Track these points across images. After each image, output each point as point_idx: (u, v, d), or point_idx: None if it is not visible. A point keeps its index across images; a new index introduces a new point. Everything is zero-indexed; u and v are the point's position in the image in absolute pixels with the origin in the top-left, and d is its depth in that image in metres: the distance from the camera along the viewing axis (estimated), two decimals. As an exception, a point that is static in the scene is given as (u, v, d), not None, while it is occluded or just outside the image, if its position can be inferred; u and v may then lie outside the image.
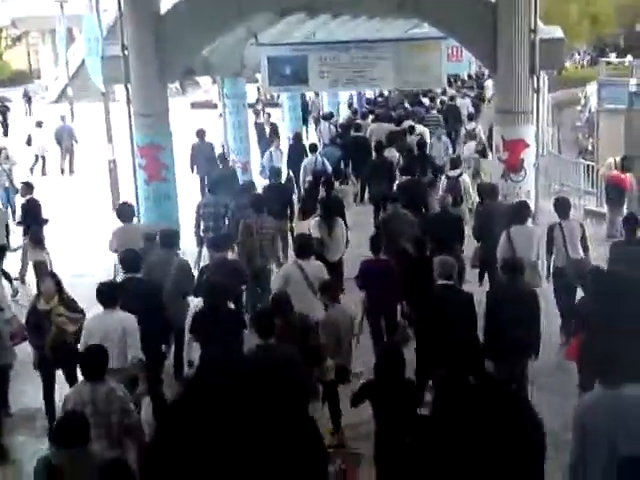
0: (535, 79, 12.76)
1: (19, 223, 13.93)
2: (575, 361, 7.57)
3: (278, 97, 30.91)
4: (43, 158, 24.00)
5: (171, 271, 9.00)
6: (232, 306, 8.29)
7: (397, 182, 14.35)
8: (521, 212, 10.39)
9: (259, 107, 28.46)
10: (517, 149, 12.88)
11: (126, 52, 12.99)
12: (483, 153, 15.08)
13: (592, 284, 7.59)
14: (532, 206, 12.58)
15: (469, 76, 35.85)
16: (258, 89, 40.58)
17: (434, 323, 7.45)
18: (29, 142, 24.05)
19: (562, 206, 10.56)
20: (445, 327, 6.92)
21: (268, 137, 19.82)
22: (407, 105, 23.26)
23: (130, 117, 13.35)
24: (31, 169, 23.44)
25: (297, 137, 18.97)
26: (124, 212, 10.74)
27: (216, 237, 10.54)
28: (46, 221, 13.67)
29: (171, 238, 9.59)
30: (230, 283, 8.32)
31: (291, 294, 7.81)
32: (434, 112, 21.60)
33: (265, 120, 21.43)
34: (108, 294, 7.40)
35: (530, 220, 10.79)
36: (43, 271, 10.26)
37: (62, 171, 24.27)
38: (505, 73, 12.62)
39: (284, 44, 15.39)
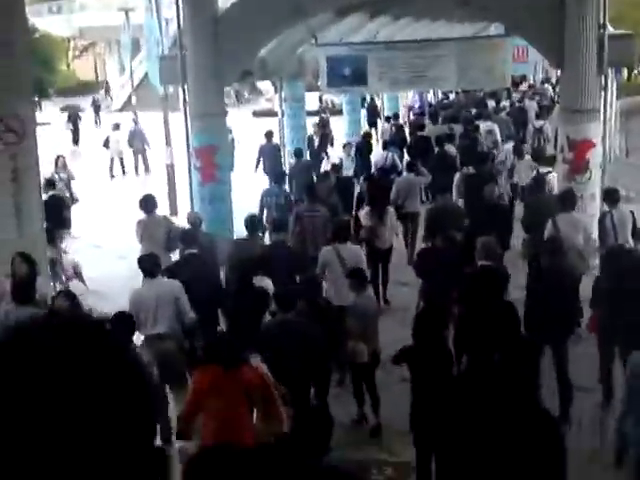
0: (603, 77, 12.24)
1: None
2: (595, 333, 8.04)
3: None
4: (120, 159, 24.94)
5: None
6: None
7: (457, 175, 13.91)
8: (567, 200, 10.32)
9: (325, 116, 28.29)
10: (583, 149, 12.37)
11: (184, 53, 12.92)
12: (519, 153, 14.70)
13: (605, 262, 8.17)
14: (597, 209, 12.10)
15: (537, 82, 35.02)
16: (320, 98, 40.67)
17: (472, 301, 7.57)
18: (106, 144, 24.82)
19: (611, 195, 10.54)
20: (482, 305, 7.14)
21: (317, 147, 19.44)
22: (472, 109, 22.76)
23: (186, 118, 13.28)
24: (111, 169, 24.51)
25: (366, 136, 19.51)
26: (147, 204, 10.83)
27: (275, 220, 10.77)
28: (68, 220, 13.88)
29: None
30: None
31: (328, 277, 8.42)
32: (502, 114, 21.27)
33: (315, 131, 20.89)
34: (150, 264, 7.95)
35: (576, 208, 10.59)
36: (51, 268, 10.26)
37: (136, 171, 24.78)
38: (572, 70, 12.14)
39: (343, 44, 15.14)
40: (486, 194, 11.24)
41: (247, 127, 27.72)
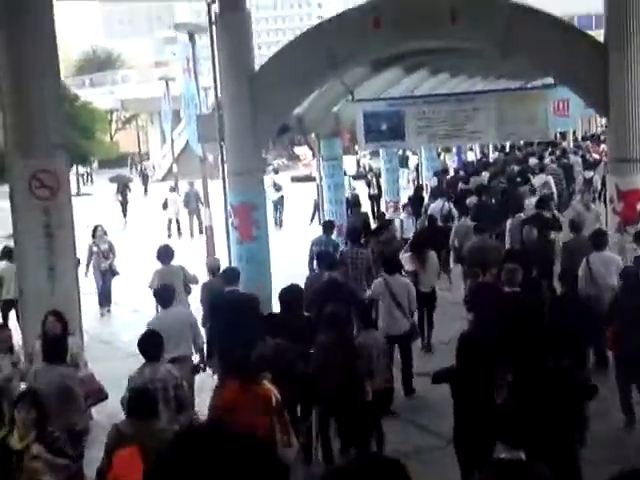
0: (652, 123, 11.82)
1: None
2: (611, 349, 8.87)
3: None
4: (177, 220, 26.03)
5: None
6: None
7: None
8: (598, 239, 10.65)
9: (370, 177, 28.29)
10: (633, 199, 11.91)
11: (220, 111, 12.84)
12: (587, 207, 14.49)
13: (622, 281, 8.91)
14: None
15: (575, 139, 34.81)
16: (358, 162, 40.72)
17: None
18: (165, 206, 26.18)
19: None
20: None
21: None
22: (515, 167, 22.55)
23: (224, 177, 13.13)
24: (169, 229, 25.58)
25: (418, 189, 20.49)
26: (163, 254, 11.13)
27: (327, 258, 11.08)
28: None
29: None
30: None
31: (380, 308, 9.41)
32: (554, 165, 21.39)
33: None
34: (166, 296, 8.94)
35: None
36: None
37: (191, 233, 25.12)
38: (618, 117, 11.77)
39: (380, 99, 14.97)
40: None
41: (288, 191, 28.02)
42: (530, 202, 14.88)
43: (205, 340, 9.31)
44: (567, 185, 20.13)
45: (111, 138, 57.79)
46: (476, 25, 11.90)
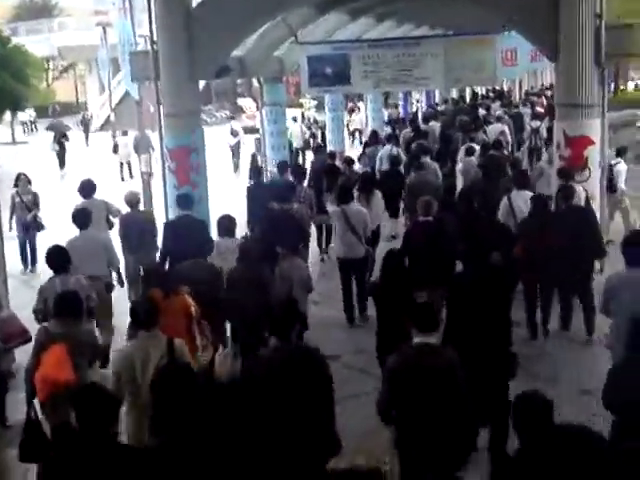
0: (601, 69, 11.54)
1: None
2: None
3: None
4: (128, 163, 25.95)
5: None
6: None
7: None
8: (520, 178, 11.15)
9: (314, 129, 27.83)
10: (581, 146, 11.65)
11: (155, 47, 12.16)
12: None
13: (532, 204, 9.72)
14: (598, 211, 11.40)
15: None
16: (303, 115, 40.09)
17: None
18: (115, 150, 26.46)
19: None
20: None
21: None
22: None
23: (160, 118, 12.50)
24: (121, 173, 25.74)
25: (373, 134, 19.39)
26: (86, 188, 10.93)
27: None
28: None
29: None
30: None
31: (336, 234, 10.40)
32: (505, 117, 21.20)
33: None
34: (82, 219, 9.26)
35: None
36: None
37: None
38: (567, 62, 11.44)
39: (325, 42, 14.45)
40: None
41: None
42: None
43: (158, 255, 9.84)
44: (516, 134, 20.38)
45: (48, 86, 55.76)
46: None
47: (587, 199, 11.07)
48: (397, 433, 5.36)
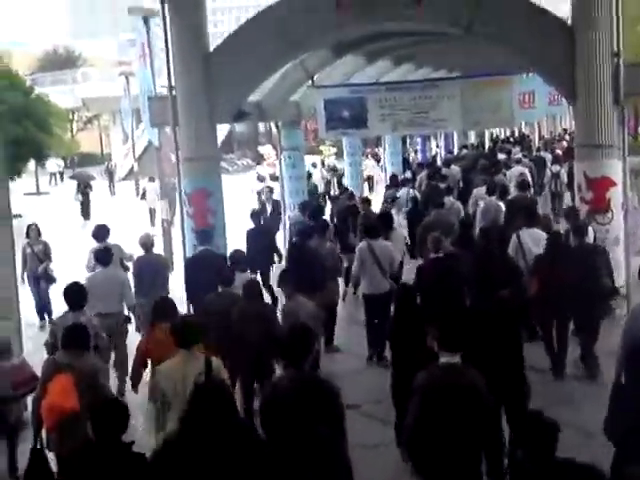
0: (620, 109, 11.45)
1: None
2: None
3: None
4: (153, 210, 24.94)
5: None
6: None
7: None
8: (529, 217, 10.87)
9: (329, 176, 27.87)
10: (602, 187, 11.51)
11: (174, 92, 12.25)
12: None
13: (548, 241, 9.50)
14: (621, 254, 11.19)
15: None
16: (322, 162, 40.31)
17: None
18: (143, 196, 26.31)
19: None
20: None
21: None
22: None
23: (178, 162, 12.54)
24: (151, 219, 24.93)
25: (393, 177, 19.51)
26: (99, 232, 11.05)
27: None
28: None
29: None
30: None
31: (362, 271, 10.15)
32: (526, 160, 21.56)
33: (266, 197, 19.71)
34: (104, 256, 9.66)
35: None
36: None
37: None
38: (585, 102, 11.40)
39: (342, 85, 14.49)
40: None
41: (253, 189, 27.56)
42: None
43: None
44: (537, 178, 20.28)
45: (72, 137, 56.49)
46: (442, 8, 11.50)
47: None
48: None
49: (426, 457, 5.29)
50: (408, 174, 21.41)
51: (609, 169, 11.53)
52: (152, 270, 10.45)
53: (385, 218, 12.05)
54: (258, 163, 30.27)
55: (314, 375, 5.59)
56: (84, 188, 30.32)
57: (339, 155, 34.22)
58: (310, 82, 14.54)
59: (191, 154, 12.22)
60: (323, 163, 39.83)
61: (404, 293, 7.64)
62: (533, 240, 10.08)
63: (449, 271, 9.03)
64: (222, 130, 39.78)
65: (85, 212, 29.30)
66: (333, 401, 5.12)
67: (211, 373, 5.80)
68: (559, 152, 23.66)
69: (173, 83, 12.21)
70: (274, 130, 16.90)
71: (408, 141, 32.99)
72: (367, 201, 14.62)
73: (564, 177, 19.21)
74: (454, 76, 14.05)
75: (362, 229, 11.10)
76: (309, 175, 21.15)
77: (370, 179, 30.21)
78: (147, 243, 10.80)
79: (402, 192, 16.32)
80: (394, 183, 18.10)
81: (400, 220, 13.95)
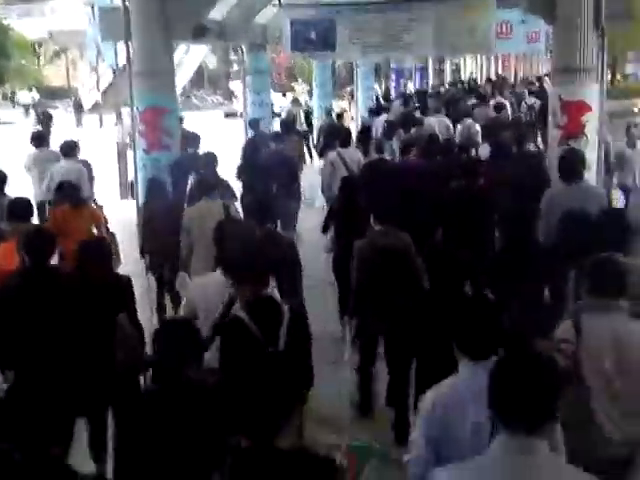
0: (601, 32, 10.81)
1: None
2: None
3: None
4: None
5: None
6: None
7: None
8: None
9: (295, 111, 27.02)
10: (578, 112, 10.89)
11: (127, 3, 11.40)
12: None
13: None
14: (594, 180, 10.68)
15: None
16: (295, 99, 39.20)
17: None
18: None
19: None
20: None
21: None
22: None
23: (130, 78, 11.74)
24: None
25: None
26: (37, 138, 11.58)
27: None
28: None
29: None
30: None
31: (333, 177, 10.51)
32: (507, 93, 21.98)
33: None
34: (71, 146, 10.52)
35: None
36: None
37: None
38: (564, 23, 10.70)
39: (309, 5, 13.67)
40: None
41: (219, 127, 26.75)
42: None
43: None
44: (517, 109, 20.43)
45: (39, 68, 54.84)
46: None
47: None
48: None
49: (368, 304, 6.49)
50: (384, 103, 20.92)
51: (586, 93, 10.93)
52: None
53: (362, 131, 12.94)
54: (229, 100, 29.49)
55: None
56: (44, 118, 29.62)
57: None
58: (277, 1, 13.68)
59: (144, 68, 11.42)
60: (298, 101, 38.86)
61: (346, 183, 8.54)
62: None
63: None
64: (192, 66, 38.75)
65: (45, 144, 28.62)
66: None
67: (230, 215, 7.59)
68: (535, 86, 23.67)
69: (126, -7, 11.40)
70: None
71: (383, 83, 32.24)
72: (340, 116, 15.73)
73: (536, 106, 19.15)
74: (429, -2, 13.24)
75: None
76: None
77: (341, 116, 29.44)
78: (64, 148, 10.75)
79: (377, 120, 15.61)
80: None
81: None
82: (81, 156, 11.34)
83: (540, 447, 2.71)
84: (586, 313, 4.17)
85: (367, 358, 6.75)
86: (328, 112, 18.82)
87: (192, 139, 11.79)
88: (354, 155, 11.19)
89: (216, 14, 13.20)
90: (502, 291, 5.14)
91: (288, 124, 14.14)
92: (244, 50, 15.49)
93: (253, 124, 13.81)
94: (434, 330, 4.42)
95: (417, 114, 15.15)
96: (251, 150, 12.76)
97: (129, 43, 11.60)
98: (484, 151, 11.71)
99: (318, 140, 16.38)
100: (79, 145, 11.14)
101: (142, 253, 9.39)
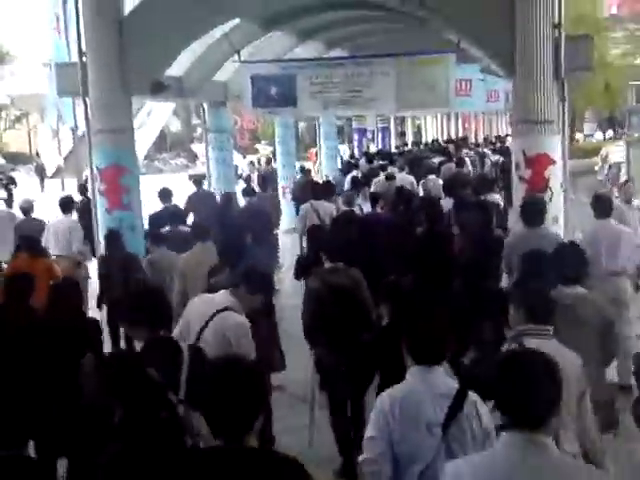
0: (561, 84, 10.87)
1: None
2: None
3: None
4: None
5: None
6: None
7: None
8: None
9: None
10: (541, 165, 10.88)
11: (84, 59, 11.23)
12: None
13: None
14: (562, 234, 10.60)
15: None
16: (252, 162, 39.30)
17: None
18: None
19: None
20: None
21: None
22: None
23: (89, 136, 11.51)
24: None
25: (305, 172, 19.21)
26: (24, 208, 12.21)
27: None
28: None
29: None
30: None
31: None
32: (471, 152, 23.45)
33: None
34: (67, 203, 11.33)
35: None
36: None
37: None
38: (524, 76, 10.73)
39: (270, 61, 13.62)
40: None
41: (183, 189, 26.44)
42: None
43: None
44: (480, 168, 21.48)
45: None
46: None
47: None
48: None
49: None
50: (352, 160, 21.48)
51: (548, 146, 10.91)
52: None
53: (329, 185, 13.61)
54: (193, 162, 29.45)
55: None
56: (7, 184, 29.29)
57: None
58: (237, 57, 13.60)
59: (102, 125, 11.22)
60: (259, 162, 38.93)
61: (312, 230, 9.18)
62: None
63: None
64: (155, 129, 38.68)
65: (9, 207, 28.06)
66: None
67: None
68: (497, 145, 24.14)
69: (84, 48, 11.23)
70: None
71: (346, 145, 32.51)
72: (308, 171, 17.85)
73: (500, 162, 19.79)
74: (387, 53, 13.22)
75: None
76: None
77: (309, 172, 29.64)
78: (26, 208, 11.92)
79: (347, 177, 16.17)
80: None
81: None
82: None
83: (546, 443, 2.91)
84: (526, 337, 4.54)
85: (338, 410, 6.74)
86: (302, 169, 19.49)
87: (165, 195, 12.37)
88: (327, 208, 11.65)
89: (175, 71, 13.10)
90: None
91: (266, 179, 14.75)
92: (205, 108, 15.36)
93: (198, 181, 14.48)
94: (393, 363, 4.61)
95: (390, 169, 16.85)
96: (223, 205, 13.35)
97: (86, 99, 11.39)
98: (447, 204, 11.68)
99: (294, 194, 17.19)
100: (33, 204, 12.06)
101: (99, 305, 9.51)
